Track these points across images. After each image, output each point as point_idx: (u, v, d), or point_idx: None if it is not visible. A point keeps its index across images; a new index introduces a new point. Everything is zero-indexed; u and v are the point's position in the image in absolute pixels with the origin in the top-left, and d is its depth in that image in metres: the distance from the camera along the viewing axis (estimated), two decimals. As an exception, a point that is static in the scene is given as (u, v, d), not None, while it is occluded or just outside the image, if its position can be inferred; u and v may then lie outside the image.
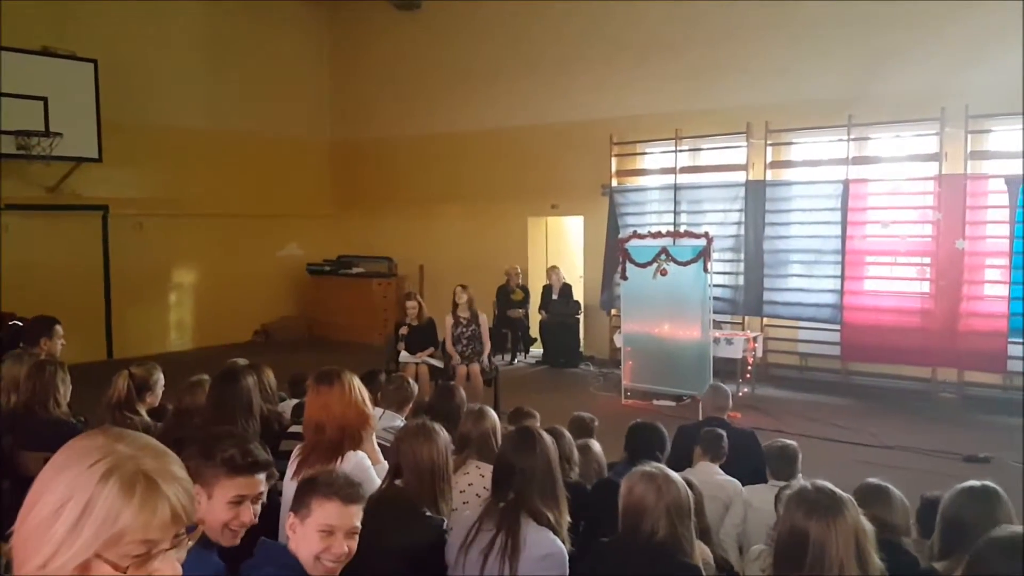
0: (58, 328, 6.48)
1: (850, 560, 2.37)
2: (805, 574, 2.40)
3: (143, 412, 4.78)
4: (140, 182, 12.92)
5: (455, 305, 9.13)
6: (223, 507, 2.43)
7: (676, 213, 11.44)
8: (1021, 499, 3.63)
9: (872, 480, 3.30)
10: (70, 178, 11.85)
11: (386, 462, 3.50)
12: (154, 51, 12.97)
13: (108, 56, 11.91)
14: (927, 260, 9.69)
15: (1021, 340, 8.95)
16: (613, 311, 11.79)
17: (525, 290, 12.63)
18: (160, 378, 4.96)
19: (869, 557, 2.42)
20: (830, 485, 2.54)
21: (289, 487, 3.31)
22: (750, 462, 4.83)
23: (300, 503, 2.46)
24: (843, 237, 10.05)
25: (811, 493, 2.49)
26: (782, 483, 4.19)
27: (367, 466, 3.36)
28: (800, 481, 2.71)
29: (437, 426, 3.33)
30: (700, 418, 5.57)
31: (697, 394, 8.78)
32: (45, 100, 11.02)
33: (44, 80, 11.10)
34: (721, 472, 4.61)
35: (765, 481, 4.43)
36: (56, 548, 1.11)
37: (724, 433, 4.77)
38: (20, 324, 8.07)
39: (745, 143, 10.86)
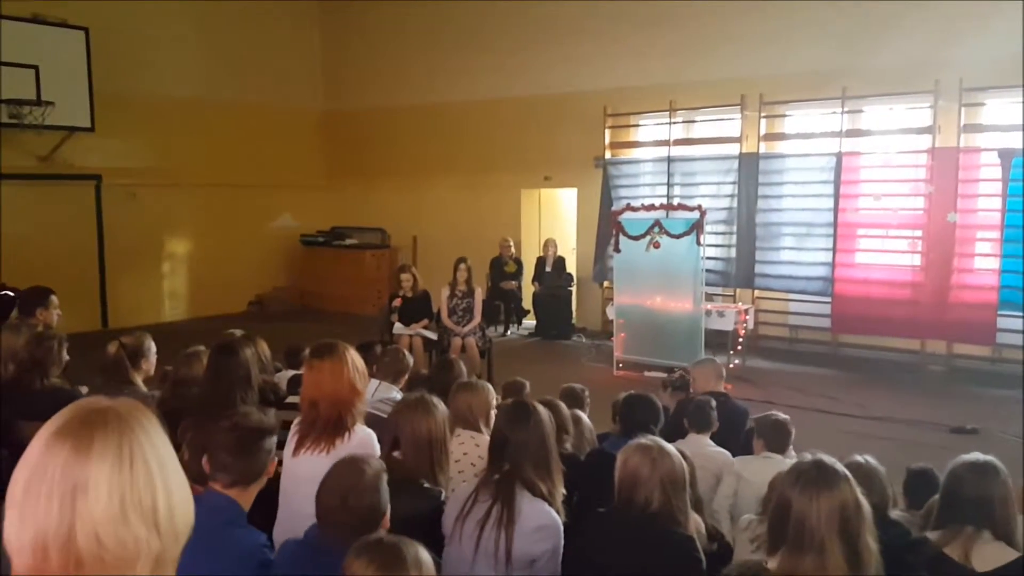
0: (53, 298, 6.47)
1: (832, 536, 2.29)
2: (789, 544, 2.35)
3: (138, 381, 4.80)
4: (133, 152, 12.84)
5: (455, 279, 9.17)
6: None
7: (669, 185, 11.43)
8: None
9: (852, 458, 3.31)
10: (63, 147, 11.77)
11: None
12: (145, 19, 12.78)
13: (99, 24, 11.79)
14: (918, 233, 9.74)
15: (1010, 313, 9.04)
16: (605, 283, 11.84)
17: (518, 262, 12.64)
18: (152, 346, 4.93)
19: (859, 538, 2.33)
20: (829, 460, 2.46)
21: (290, 463, 3.34)
22: (746, 439, 4.84)
23: None
24: (835, 210, 10.08)
25: (804, 465, 2.45)
26: (774, 455, 4.25)
27: (372, 442, 3.39)
28: (800, 454, 2.69)
29: (436, 399, 3.37)
30: (690, 391, 5.59)
31: (688, 366, 8.83)
32: (36, 68, 10.92)
33: (35, 48, 10.99)
34: (711, 444, 4.65)
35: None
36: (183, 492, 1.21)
37: (709, 401, 4.77)
38: (12, 294, 8.06)
39: (739, 115, 10.84)
